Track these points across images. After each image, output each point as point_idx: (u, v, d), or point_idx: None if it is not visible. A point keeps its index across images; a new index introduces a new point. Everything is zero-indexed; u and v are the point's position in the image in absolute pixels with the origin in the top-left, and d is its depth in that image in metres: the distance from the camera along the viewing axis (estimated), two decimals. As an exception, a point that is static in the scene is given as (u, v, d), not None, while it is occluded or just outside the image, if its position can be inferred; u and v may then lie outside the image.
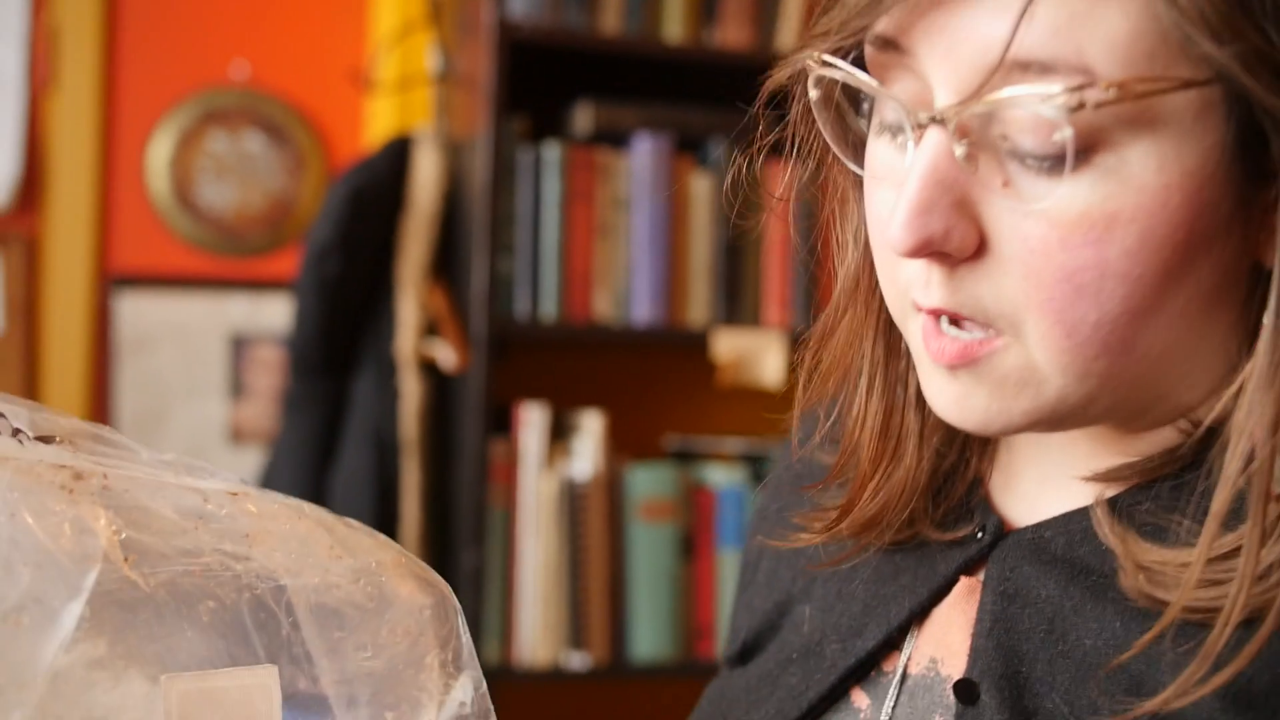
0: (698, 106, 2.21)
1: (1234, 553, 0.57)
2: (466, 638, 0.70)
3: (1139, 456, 0.64)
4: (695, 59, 2.21)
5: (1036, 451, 0.71)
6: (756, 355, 2.22)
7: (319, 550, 0.69)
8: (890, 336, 0.72)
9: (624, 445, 2.28)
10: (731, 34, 2.22)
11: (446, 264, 2.30)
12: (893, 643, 0.72)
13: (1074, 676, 0.62)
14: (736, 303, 2.25)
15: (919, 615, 0.71)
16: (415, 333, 2.23)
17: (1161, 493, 0.63)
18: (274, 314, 2.74)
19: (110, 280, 2.69)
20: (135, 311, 2.69)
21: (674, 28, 2.20)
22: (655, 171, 2.19)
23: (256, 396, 2.75)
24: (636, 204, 2.20)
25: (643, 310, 2.20)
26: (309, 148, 2.78)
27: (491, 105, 2.08)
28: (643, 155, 2.19)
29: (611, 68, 2.22)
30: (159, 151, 2.72)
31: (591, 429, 2.19)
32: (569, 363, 2.41)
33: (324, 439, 2.29)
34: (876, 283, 0.68)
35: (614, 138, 2.20)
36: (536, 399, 2.19)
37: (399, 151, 2.31)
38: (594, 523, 2.17)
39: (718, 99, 2.08)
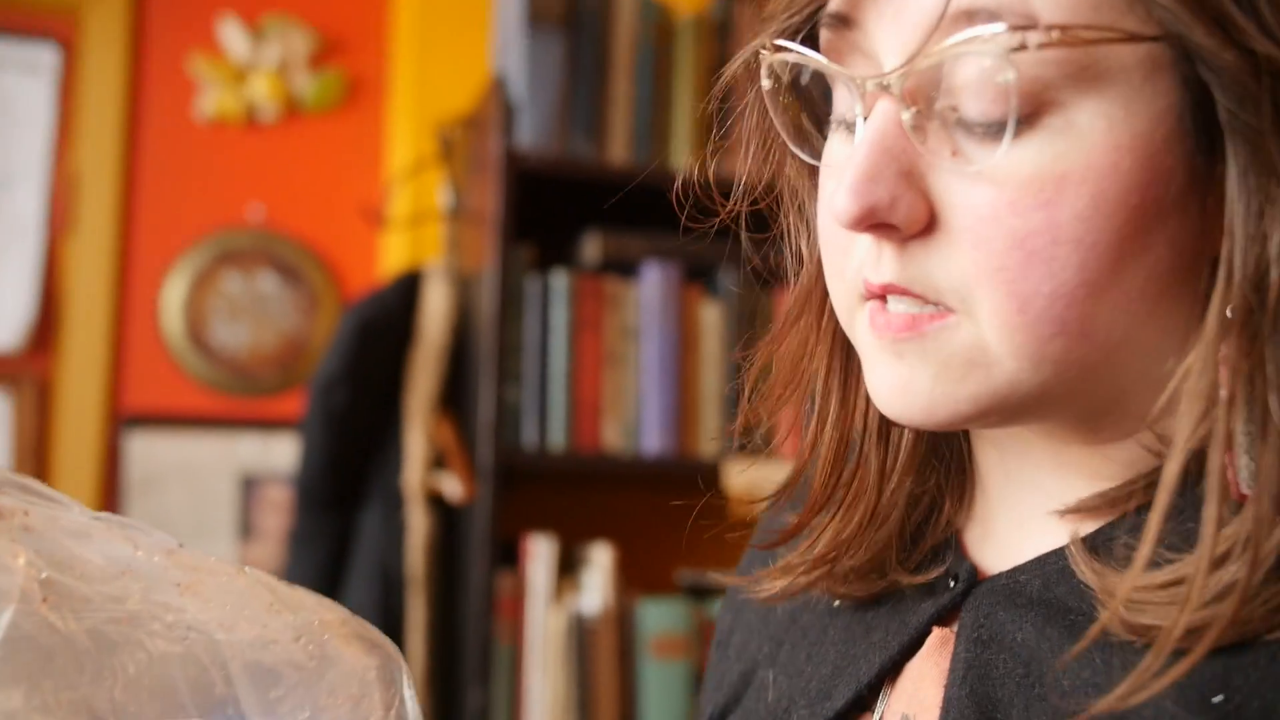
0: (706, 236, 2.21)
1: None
2: (413, 703, 0.66)
3: (1111, 483, 0.62)
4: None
5: (1009, 489, 0.68)
6: (770, 487, 2.17)
7: (257, 605, 0.65)
8: (845, 357, 0.70)
9: (634, 579, 2.22)
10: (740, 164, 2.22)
11: (455, 397, 2.28)
12: (863, 703, 0.68)
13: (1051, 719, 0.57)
14: (748, 433, 2.22)
15: (890, 671, 0.68)
16: (423, 466, 2.21)
17: (1137, 523, 0.60)
18: (284, 454, 2.72)
19: (121, 420, 2.68)
20: (145, 451, 2.67)
21: (682, 157, 2.22)
22: (664, 300, 2.18)
23: (266, 537, 2.72)
24: (645, 333, 2.18)
25: (652, 441, 2.17)
26: (323, 287, 2.79)
27: (499, 234, 2.08)
28: (651, 284, 2.19)
29: (619, 197, 2.22)
30: (174, 292, 2.74)
31: (601, 562, 2.14)
32: (577, 494, 2.37)
33: (330, 574, 2.25)
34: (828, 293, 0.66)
35: (622, 267, 2.20)
36: (544, 531, 2.14)
37: (409, 285, 2.31)
38: (603, 659, 2.11)
39: (725, 227, 2.08)
